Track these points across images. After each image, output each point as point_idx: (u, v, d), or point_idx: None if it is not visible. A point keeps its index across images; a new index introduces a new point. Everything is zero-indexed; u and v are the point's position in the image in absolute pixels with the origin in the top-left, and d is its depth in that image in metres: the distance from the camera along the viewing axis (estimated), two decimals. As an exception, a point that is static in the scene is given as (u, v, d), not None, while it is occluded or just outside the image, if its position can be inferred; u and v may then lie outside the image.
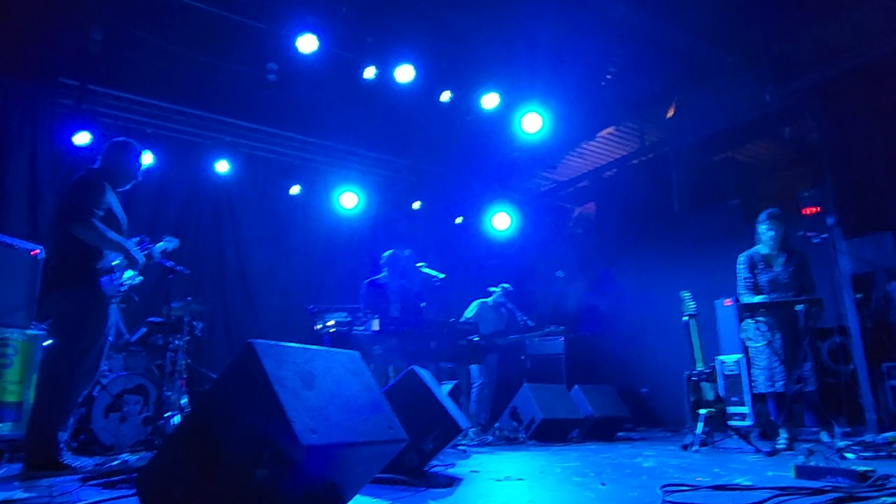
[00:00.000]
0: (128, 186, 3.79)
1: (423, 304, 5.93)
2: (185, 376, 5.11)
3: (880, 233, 5.76)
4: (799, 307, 4.33)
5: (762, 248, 4.82)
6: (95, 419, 4.41)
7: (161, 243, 4.01)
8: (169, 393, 4.78)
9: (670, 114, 7.71)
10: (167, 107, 6.82)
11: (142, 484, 1.92)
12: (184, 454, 1.83)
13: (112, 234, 3.43)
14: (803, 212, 6.76)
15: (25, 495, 2.44)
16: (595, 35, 6.14)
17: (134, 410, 4.62)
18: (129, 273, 3.62)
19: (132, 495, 2.02)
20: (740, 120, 7.51)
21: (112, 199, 3.54)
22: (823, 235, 4.86)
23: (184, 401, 5.01)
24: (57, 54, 5.91)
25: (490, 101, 7.01)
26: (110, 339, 3.60)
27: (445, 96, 6.84)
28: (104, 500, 2.25)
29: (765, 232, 4.79)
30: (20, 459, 3.32)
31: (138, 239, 3.76)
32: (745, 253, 4.88)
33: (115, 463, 3.35)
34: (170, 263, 4.47)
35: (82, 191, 3.43)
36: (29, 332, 4.02)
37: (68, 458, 3.26)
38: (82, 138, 6.10)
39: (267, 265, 7.67)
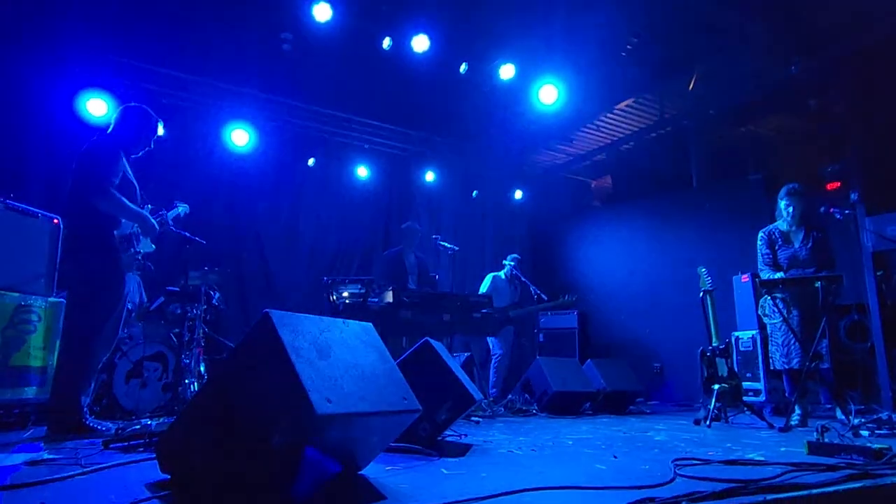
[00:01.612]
0: (140, 153, 3.80)
1: (436, 276, 5.95)
2: (202, 345, 5.19)
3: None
4: (818, 284, 4.28)
5: (781, 225, 4.75)
6: (117, 385, 4.53)
7: (174, 210, 4.04)
8: (187, 361, 4.87)
9: (691, 85, 7.54)
10: (182, 76, 6.80)
11: (162, 449, 1.97)
12: (202, 421, 1.87)
13: (130, 204, 3.46)
14: (827, 187, 6.63)
15: (51, 456, 2.51)
16: (615, 3, 5.98)
17: (154, 377, 4.73)
18: (144, 242, 3.67)
19: (152, 459, 2.07)
20: (764, 92, 7.32)
21: (126, 167, 3.56)
22: (846, 211, 4.77)
23: (202, 368, 5.11)
24: (72, 23, 5.90)
25: (506, 72, 6.90)
26: (129, 306, 3.66)
27: (461, 68, 6.74)
28: (126, 463, 2.31)
29: (784, 208, 4.72)
30: (45, 422, 3.42)
31: (151, 207, 3.79)
32: (765, 229, 4.82)
33: (136, 427, 3.44)
34: (187, 234, 4.51)
35: (99, 160, 3.44)
36: (51, 299, 4.10)
37: (91, 422, 3.35)
38: (98, 107, 6.12)
39: (282, 236, 7.72)
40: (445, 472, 2.30)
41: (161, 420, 3.96)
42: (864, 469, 2.18)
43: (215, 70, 6.79)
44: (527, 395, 5.56)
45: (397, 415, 2.04)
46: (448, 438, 3.26)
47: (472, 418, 4.50)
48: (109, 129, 3.70)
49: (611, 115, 8.38)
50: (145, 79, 6.65)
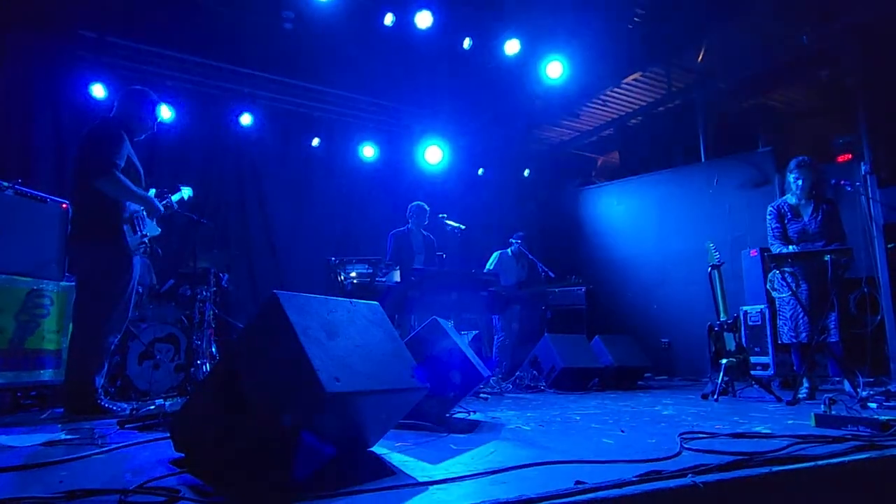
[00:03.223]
0: (143, 136, 3.80)
1: (443, 255, 5.96)
2: (213, 326, 5.25)
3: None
4: (827, 257, 4.25)
5: (790, 198, 4.71)
6: (130, 366, 4.60)
7: (178, 193, 4.05)
8: (199, 342, 4.93)
9: (700, 58, 7.42)
10: (186, 58, 6.76)
11: (175, 428, 2.01)
12: (214, 400, 1.90)
13: (134, 187, 3.47)
14: (837, 159, 6.55)
15: (68, 437, 2.57)
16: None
17: (166, 358, 4.79)
18: (150, 225, 3.69)
19: (166, 438, 2.11)
20: (774, 63, 7.20)
21: (130, 149, 3.56)
22: (857, 183, 4.72)
23: (213, 349, 5.18)
24: (75, 6, 5.86)
25: (511, 47, 6.81)
26: (139, 289, 3.69)
27: (465, 43, 6.66)
28: (141, 443, 2.36)
29: (793, 181, 4.66)
30: (62, 404, 3.49)
31: (156, 191, 3.80)
32: (774, 203, 4.78)
33: (150, 407, 3.50)
34: (194, 216, 4.53)
35: (103, 142, 3.44)
36: (63, 283, 4.15)
37: (106, 403, 3.41)
38: (102, 91, 6.11)
39: (289, 217, 7.74)
40: (454, 447, 2.34)
41: (175, 400, 4.03)
42: (871, 441, 2.19)
43: (218, 51, 6.75)
44: (535, 372, 5.60)
45: (405, 392, 2.06)
46: (456, 415, 3.30)
47: (481, 395, 4.54)
48: (112, 113, 3.70)
49: (618, 90, 8.28)
50: (149, 61, 6.63)
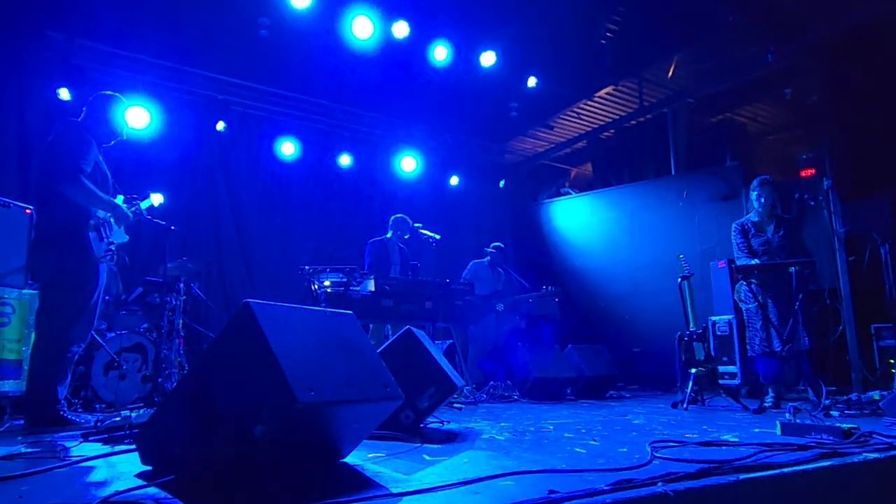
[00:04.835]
0: (112, 142, 3.72)
1: (418, 265, 5.96)
2: (182, 335, 5.15)
3: (878, 196, 5.77)
4: (792, 269, 4.36)
5: (753, 216, 4.84)
6: (95, 377, 4.48)
7: (147, 200, 3.98)
8: (167, 352, 4.83)
9: (670, 73, 7.60)
10: (159, 63, 6.66)
11: (142, 440, 1.96)
12: (183, 411, 1.86)
13: (101, 193, 3.40)
14: (801, 174, 6.75)
15: (28, 450, 2.49)
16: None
17: (133, 368, 4.68)
18: (117, 232, 3.61)
19: (133, 450, 2.06)
20: (741, 80, 7.42)
21: (98, 155, 3.49)
22: (820, 198, 4.87)
23: (182, 359, 5.07)
24: (42, 6, 5.74)
25: (487, 59, 6.88)
26: (106, 298, 3.60)
27: (441, 54, 6.71)
28: (106, 455, 2.29)
29: (756, 199, 4.79)
30: (22, 416, 3.38)
31: (124, 197, 3.73)
32: (737, 221, 4.92)
33: (115, 419, 3.41)
34: (163, 223, 4.45)
35: (69, 147, 3.36)
36: (25, 291, 4.03)
37: (69, 414, 3.31)
38: (70, 95, 5.97)
39: (263, 225, 7.64)
40: (428, 458, 2.33)
41: (141, 411, 3.93)
42: (834, 448, 2.25)
43: (191, 56, 6.67)
44: (509, 381, 5.62)
45: (379, 402, 2.05)
46: (430, 425, 3.28)
47: (455, 405, 4.53)
48: (80, 117, 3.62)
49: (591, 103, 8.42)
50: (120, 65, 6.51)
